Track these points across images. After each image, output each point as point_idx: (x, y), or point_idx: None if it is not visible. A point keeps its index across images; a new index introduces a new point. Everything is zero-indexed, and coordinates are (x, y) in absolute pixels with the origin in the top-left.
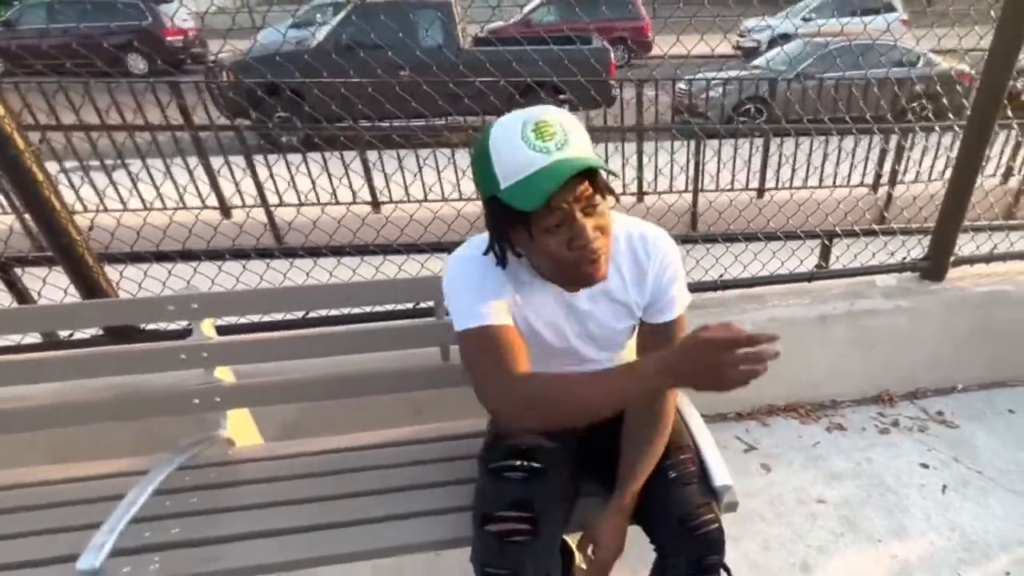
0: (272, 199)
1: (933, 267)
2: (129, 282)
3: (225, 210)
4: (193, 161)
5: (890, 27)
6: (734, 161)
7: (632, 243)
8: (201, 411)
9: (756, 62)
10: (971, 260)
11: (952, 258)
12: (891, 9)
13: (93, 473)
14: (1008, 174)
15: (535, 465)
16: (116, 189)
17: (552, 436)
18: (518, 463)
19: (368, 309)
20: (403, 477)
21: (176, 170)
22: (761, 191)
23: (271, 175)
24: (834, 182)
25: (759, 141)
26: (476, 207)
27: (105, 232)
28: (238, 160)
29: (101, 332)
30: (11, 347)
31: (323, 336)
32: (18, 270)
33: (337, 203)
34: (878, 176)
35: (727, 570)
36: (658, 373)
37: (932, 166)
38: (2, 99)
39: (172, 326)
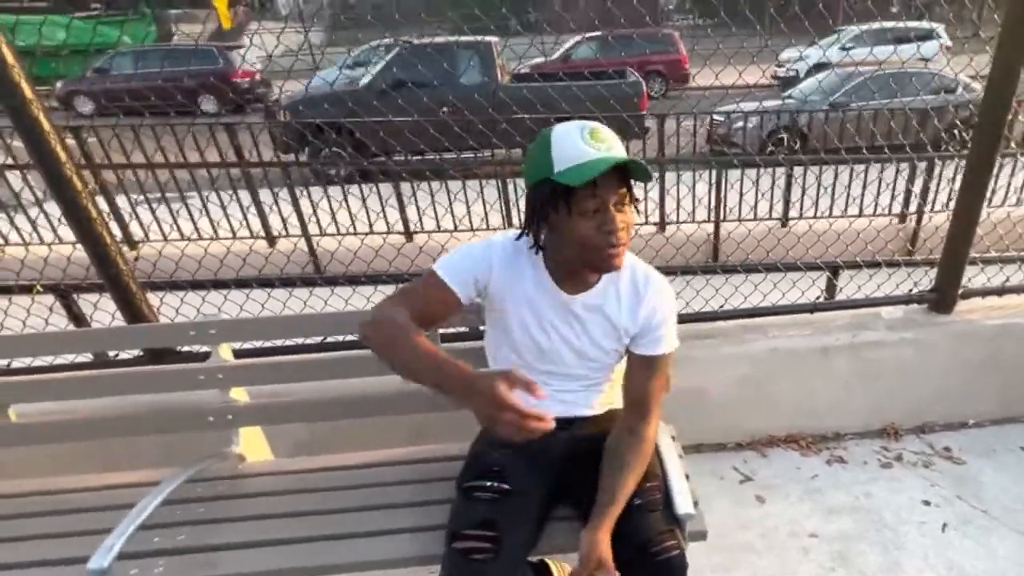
0: (314, 230)
1: (941, 299)
2: (168, 308)
3: (271, 240)
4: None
5: (923, 55)
6: (756, 190)
7: (635, 276)
8: (215, 428)
9: (790, 92)
10: (982, 292)
11: (961, 290)
12: (930, 37)
13: (109, 483)
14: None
15: (504, 487)
16: (176, 222)
17: (528, 459)
18: (488, 484)
19: None
20: (400, 494)
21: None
22: (785, 220)
23: (314, 209)
24: (860, 211)
25: (792, 170)
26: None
27: (168, 260)
28: (284, 193)
29: (141, 353)
30: (65, 365)
31: (329, 360)
32: (75, 295)
33: (372, 232)
34: (907, 201)
35: None
36: (451, 383)
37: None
38: (64, 146)
39: (205, 348)
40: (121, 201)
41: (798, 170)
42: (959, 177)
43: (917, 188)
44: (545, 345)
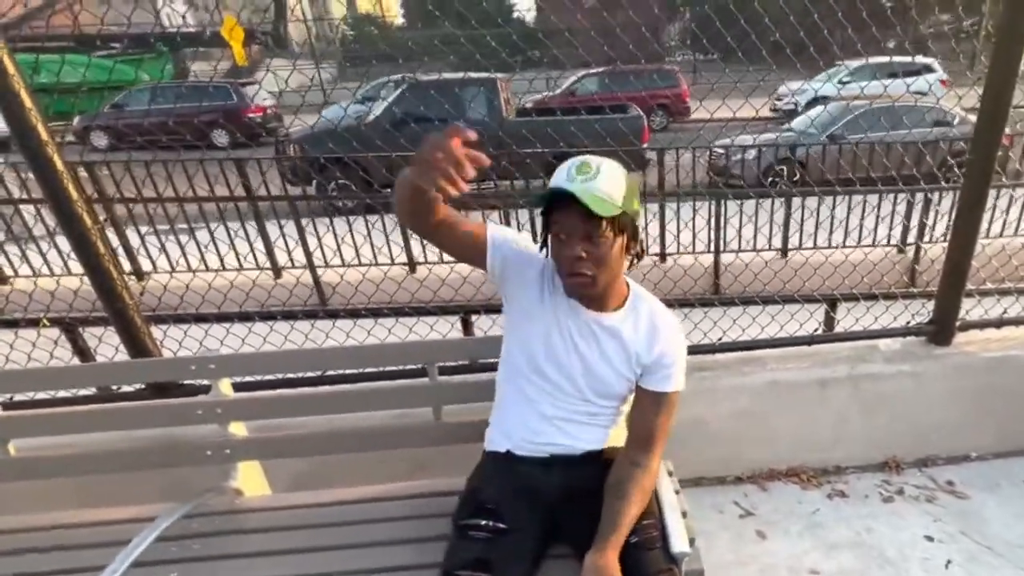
0: (318, 261)
1: (939, 331)
2: (172, 340)
3: (276, 271)
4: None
5: (921, 89)
6: (755, 222)
7: (653, 315)
8: (213, 462)
9: (790, 124)
10: (980, 324)
11: (959, 322)
12: (930, 71)
13: (105, 519)
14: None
15: (500, 525)
16: (184, 254)
17: (525, 496)
18: (483, 522)
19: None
20: (398, 531)
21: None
22: (784, 251)
23: (319, 242)
24: (858, 241)
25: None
26: None
27: (173, 295)
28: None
29: (144, 387)
30: (66, 398)
31: (326, 395)
32: (81, 329)
33: (377, 264)
34: (904, 234)
35: None
36: (413, 160)
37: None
38: (76, 184)
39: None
40: (131, 232)
41: (797, 201)
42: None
43: (914, 221)
44: (560, 348)
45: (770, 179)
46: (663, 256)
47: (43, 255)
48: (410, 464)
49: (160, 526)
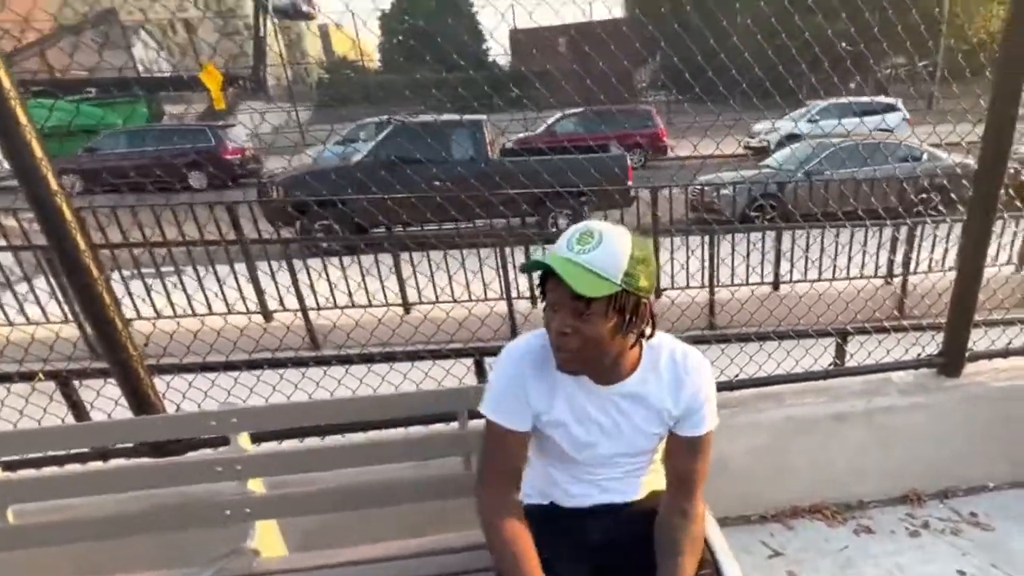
0: (310, 304)
1: (949, 363)
2: (175, 392)
3: (267, 315)
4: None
5: (888, 125)
6: (747, 257)
7: (675, 357)
8: (233, 522)
9: (767, 161)
10: (988, 355)
11: (968, 353)
12: (893, 109)
13: None
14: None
15: None
16: (171, 302)
17: (570, 546)
18: None
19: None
20: None
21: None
22: (776, 284)
23: (311, 285)
24: (847, 273)
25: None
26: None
27: (155, 345)
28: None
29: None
30: (63, 456)
31: (351, 447)
32: (76, 382)
33: (371, 305)
34: (891, 265)
35: None
36: None
37: (944, 255)
38: (85, 234)
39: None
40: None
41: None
42: (939, 241)
43: (899, 256)
44: (583, 439)
45: (754, 214)
46: (658, 292)
47: (38, 302)
48: (432, 517)
49: None
